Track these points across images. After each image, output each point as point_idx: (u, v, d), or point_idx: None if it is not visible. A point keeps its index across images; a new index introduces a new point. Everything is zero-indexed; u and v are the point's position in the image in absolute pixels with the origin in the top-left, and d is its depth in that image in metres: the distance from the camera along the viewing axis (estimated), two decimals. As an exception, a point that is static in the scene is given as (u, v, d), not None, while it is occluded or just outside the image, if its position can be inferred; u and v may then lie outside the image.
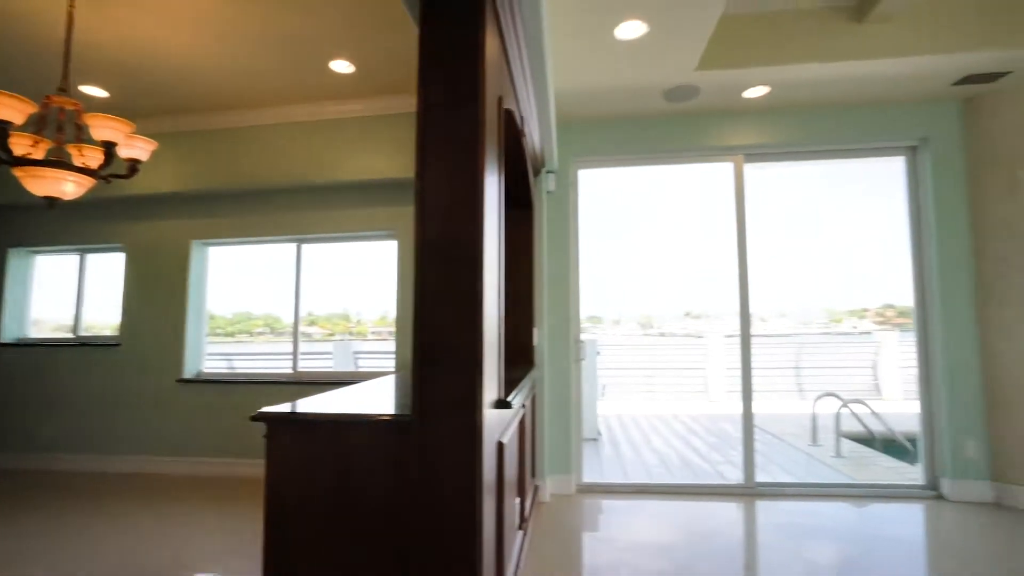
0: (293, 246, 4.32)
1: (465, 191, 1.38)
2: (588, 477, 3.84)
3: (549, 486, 3.50)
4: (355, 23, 2.87)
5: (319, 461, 1.43)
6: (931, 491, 3.41)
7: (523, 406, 2.42)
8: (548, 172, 3.58)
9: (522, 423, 2.42)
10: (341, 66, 3.31)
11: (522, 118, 2.46)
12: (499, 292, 1.65)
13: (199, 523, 3.08)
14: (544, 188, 3.55)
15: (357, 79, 3.49)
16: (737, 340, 3.65)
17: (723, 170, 3.76)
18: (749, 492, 3.52)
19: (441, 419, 1.33)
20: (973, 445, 3.32)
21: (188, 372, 4.22)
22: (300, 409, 1.52)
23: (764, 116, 3.60)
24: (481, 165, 1.39)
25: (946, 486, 3.34)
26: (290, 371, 4.26)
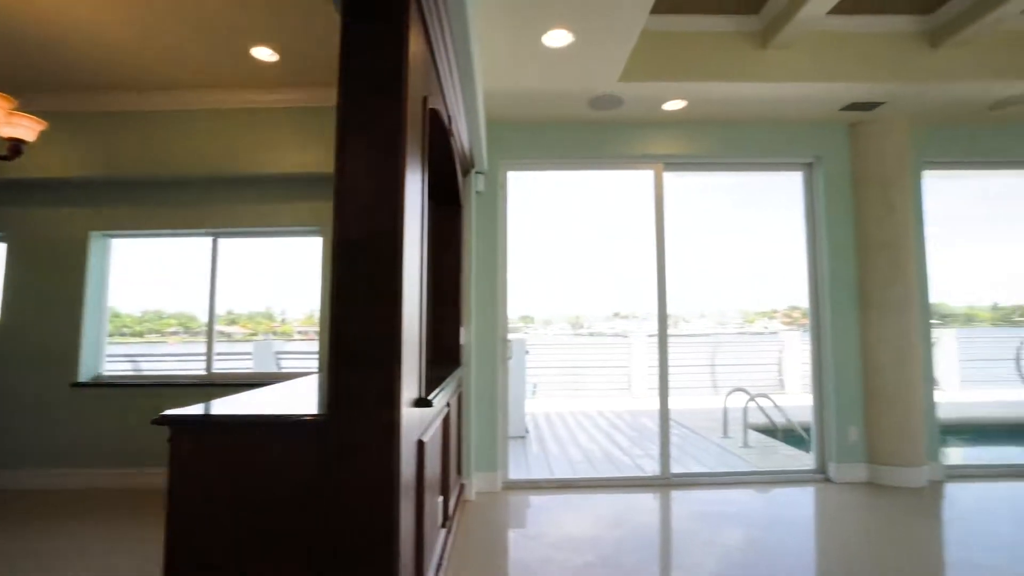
0: (208, 240, 4.07)
1: (386, 187, 1.39)
2: (515, 474, 3.91)
3: (475, 484, 3.53)
4: (278, 9, 2.76)
5: (227, 465, 1.38)
6: (820, 474, 3.78)
7: (447, 405, 2.43)
8: (477, 173, 3.61)
9: (446, 421, 2.43)
10: (263, 53, 3.17)
11: (450, 118, 2.47)
12: (421, 290, 1.66)
13: (96, 540, 2.84)
14: (473, 188, 3.58)
15: (281, 68, 3.35)
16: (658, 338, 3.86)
17: (644, 177, 3.96)
18: (665, 483, 3.73)
19: (357, 418, 1.32)
20: (854, 431, 3.72)
21: (85, 375, 3.86)
22: (207, 411, 1.45)
23: (682, 128, 3.83)
24: (403, 162, 1.40)
25: (832, 469, 3.72)
26: (204, 372, 4.02)
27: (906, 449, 3.58)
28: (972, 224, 5.10)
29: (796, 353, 8.97)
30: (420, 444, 1.67)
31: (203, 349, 4.05)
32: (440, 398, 1.97)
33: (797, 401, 7.84)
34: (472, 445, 3.49)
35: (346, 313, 1.35)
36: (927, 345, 3.80)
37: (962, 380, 8.54)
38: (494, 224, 3.73)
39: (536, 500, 3.48)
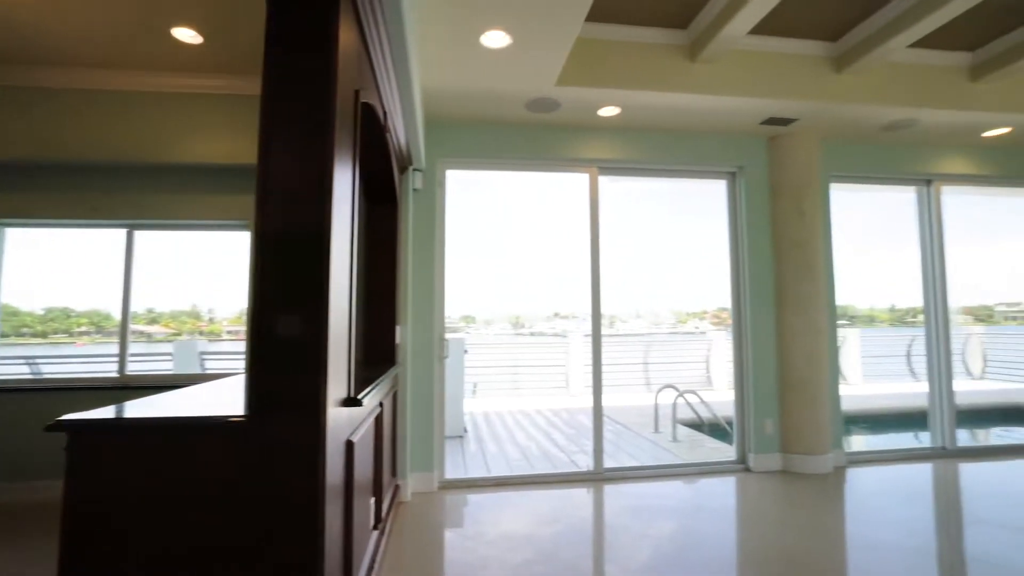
0: (123, 232, 3.78)
1: (313, 181, 1.35)
2: (452, 473, 3.90)
3: (411, 484, 3.49)
4: (201, -9, 2.61)
5: (134, 473, 1.29)
6: (741, 465, 4.03)
7: (380, 404, 2.39)
8: (415, 170, 3.57)
9: (379, 421, 2.39)
10: (186, 35, 2.98)
11: (386, 113, 2.44)
12: (351, 287, 1.63)
13: (-20, 560, 2.57)
14: (411, 186, 3.54)
15: (206, 52, 3.17)
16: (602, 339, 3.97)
17: (580, 180, 4.07)
18: (599, 478, 3.84)
19: (280, 419, 1.28)
20: (771, 424, 3.99)
21: (-30, 380, 3.48)
22: (112, 414, 1.35)
23: (616, 134, 3.96)
24: (331, 156, 1.37)
25: (751, 460, 3.97)
26: (116, 375, 3.72)
27: (815, 439, 3.88)
28: (873, 234, 5.60)
29: (722, 351, 9.50)
30: (349, 445, 1.63)
31: (116, 350, 3.75)
32: (371, 397, 1.94)
33: (723, 396, 8.33)
34: (408, 445, 3.45)
35: (269, 311, 1.30)
36: (834, 341, 4.14)
37: (864, 375, 9.35)
38: (432, 222, 3.70)
39: (473, 499, 3.49)
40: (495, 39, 2.70)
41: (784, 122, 3.86)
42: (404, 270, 3.48)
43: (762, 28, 3.35)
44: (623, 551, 2.69)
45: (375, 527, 2.28)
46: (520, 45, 2.76)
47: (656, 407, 5.86)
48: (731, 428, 5.51)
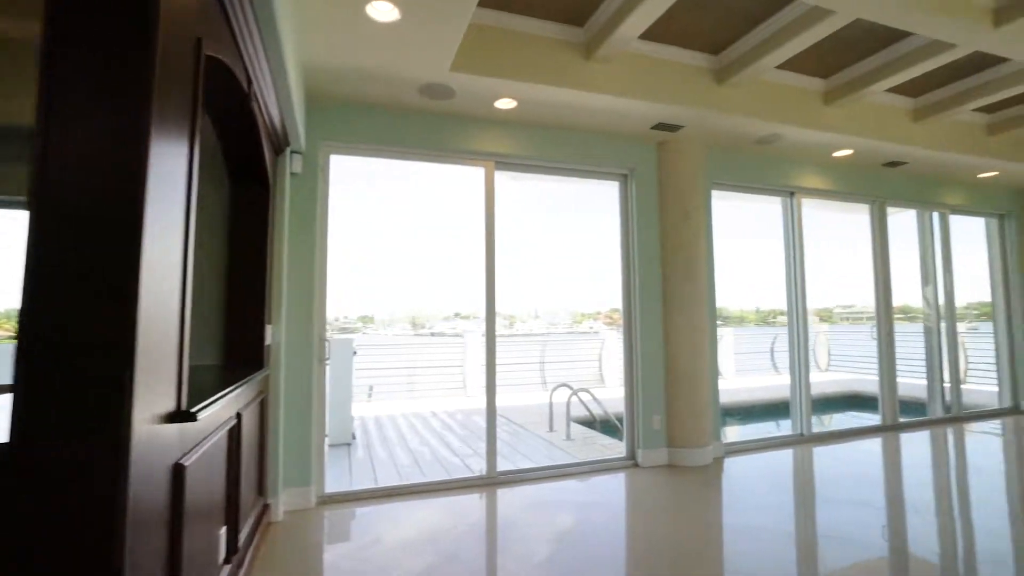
0: None
1: (119, 146, 1.05)
2: (334, 486, 3.56)
3: (284, 502, 3.12)
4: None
5: None
6: (630, 460, 4.13)
7: (237, 415, 2.06)
8: (294, 152, 3.21)
9: (236, 435, 2.06)
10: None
11: (250, 80, 2.11)
12: (184, 279, 1.33)
13: None
14: (288, 169, 3.17)
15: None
16: (497, 338, 3.84)
17: (477, 174, 3.93)
18: (492, 482, 3.72)
19: (61, 444, 0.97)
20: (658, 419, 4.14)
21: None
22: None
23: (513, 128, 3.88)
24: (145, 114, 1.08)
25: (640, 455, 4.09)
26: None
27: (697, 432, 4.08)
28: (743, 241, 6.09)
29: (614, 350, 9.91)
30: (178, 469, 1.33)
31: None
32: (219, 409, 1.63)
33: (614, 393, 8.68)
34: (280, 458, 3.08)
35: (48, 309, 0.99)
36: (714, 339, 4.40)
37: (737, 370, 10.26)
38: (312, 211, 3.35)
39: (357, 512, 3.20)
40: (382, 11, 2.47)
41: (672, 128, 4.02)
42: (278, 263, 3.10)
43: (654, 34, 3.44)
44: (515, 559, 2.58)
45: (227, 559, 1.94)
46: (410, 20, 2.55)
47: (551, 406, 5.89)
48: (621, 425, 5.70)
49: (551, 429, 5.74)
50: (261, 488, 2.72)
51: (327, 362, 3.52)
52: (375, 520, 3.09)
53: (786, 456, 4.36)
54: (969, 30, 3.11)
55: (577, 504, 3.30)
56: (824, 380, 9.80)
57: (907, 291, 5.98)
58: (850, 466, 4.07)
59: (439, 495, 3.51)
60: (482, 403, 3.82)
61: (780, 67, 3.93)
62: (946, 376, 5.84)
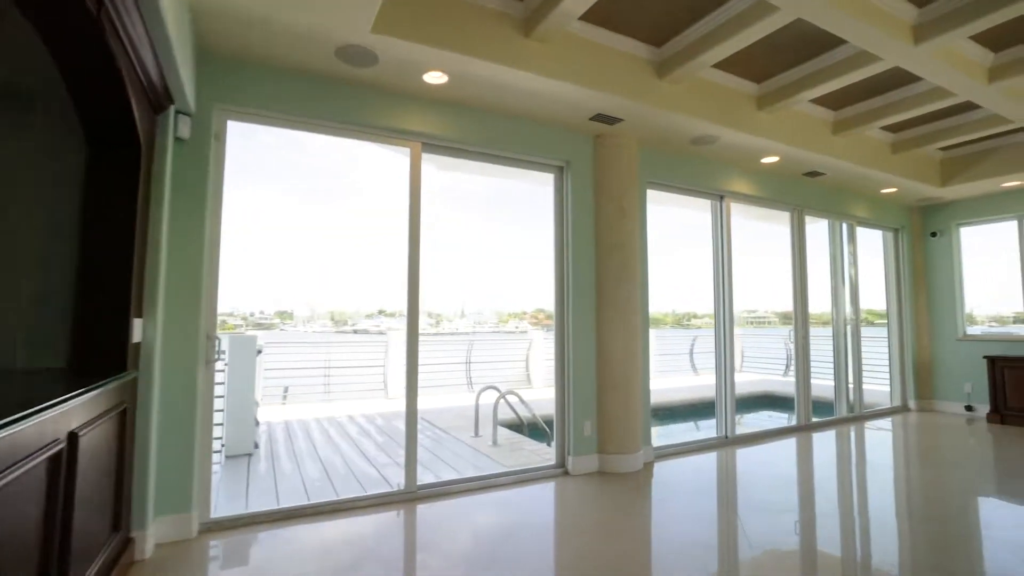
0: None
1: None
2: (224, 510, 3.06)
3: (154, 535, 2.58)
4: None
5: None
6: (560, 468, 3.92)
7: (73, 435, 1.58)
8: (180, 113, 2.68)
9: (72, 459, 1.58)
10: None
11: (100, 1, 1.63)
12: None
13: None
14: (171, 132, 2.63)
15: None
16: (422, 337, 3.48)
17: (401, 158, 3.56)
18: (411, 497, 3.36)
19: None
20: (589, 425, 3.96)
21: None
22: None
23: (444, 107, 3.55)
24: None
25: (570, 463, 3.89)
26: None
27: (628, 438, 3.95)
28: (662, 245, 6.13)
29: (541, 350, 9.79)
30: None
31: None
32: (35, 427, 1.18)
33: (541, 395, 8.54)
34: (151, 481, 2.54)
35: None
36: (646, 342, 4.31)
37: (657, 371, 10.50)
38: (202, 185, 2.83)
39: (249, 540, 2.73)
40: (289, -55, 2.06)
41: (611, 121, 3.86)
42: (155, 245, 2.56)
43: (598, 17, 3.25)
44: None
45: (51, 627, 1.47)
46: (324, -38, 2.16)
47: (477, 409, 5.60)
48: (550, 428, 5.52)
49: (476, 434, 5.45)
50: (118, 522, 2.19)
51: (218, 363, 3.01)
52: (269, 550, 2.64)
53: (712, 460, 4.36)
54: (894, 43, 3.19)
55: (504, 523, 3.03)
56: (737, 381, 10.28)
57: (815, 297, 6.29)
58: (771, 468, 4.11)
59: (351, 514, 3.10)
60: (403, 405, 3.45)
61: (718, 67, 3.90)
62: (850, 377, 6.20)
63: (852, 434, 5.38)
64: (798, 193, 5.63)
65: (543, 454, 4.57)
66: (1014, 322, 6.58)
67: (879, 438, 5.25)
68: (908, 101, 4.36)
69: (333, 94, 3.20)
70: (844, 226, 6.27)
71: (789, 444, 4.89)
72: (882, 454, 4.64)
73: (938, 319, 6.77)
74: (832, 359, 6.22)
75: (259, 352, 5.41)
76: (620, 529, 2.90)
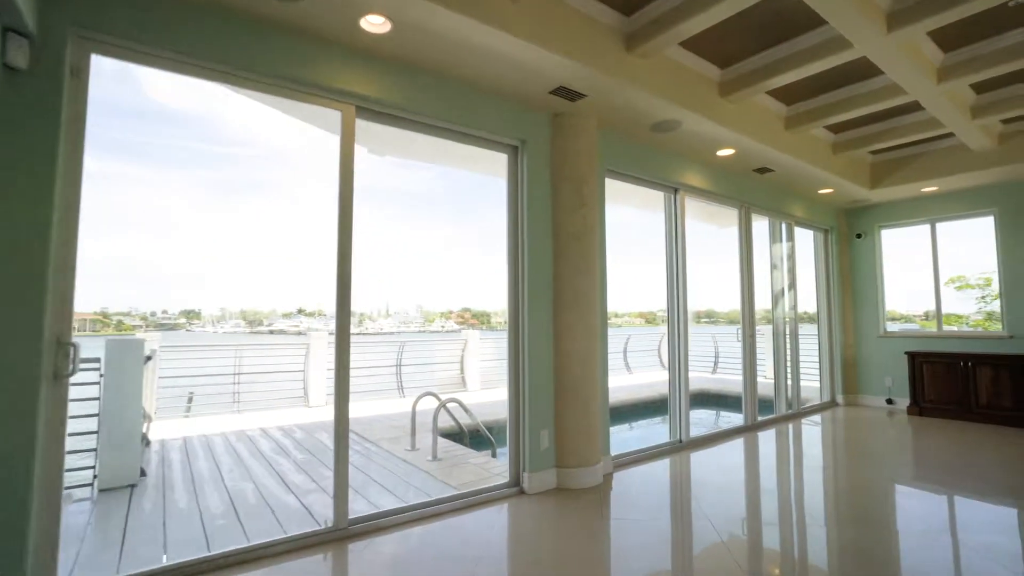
0: None
1: None
2: (86, 572, 2.31)
3: (-30, 623, 1.83)
4: None
5: None
6: (515, 487, 3.47)
7: None
8: (9, 31, 1.93)
9: None
10: None
11: None
12: None
13: None
14: (-2, 58, 1.88)
15: None
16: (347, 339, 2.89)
17: (327, 137, 2.96)
18: (342, 535, 2.77)
19: None
20: (547, 435, 3.55)
21: None
22: None
23: (384, 64, 2.97)
24: None
25: (526, 480, 3.45)
26: None
27: (588, 448, 3.58)
28: (628, 245, 5.87)
29: (476, 351, 9.30)
30: None
31: None
32: None
33: (479, 398, 8.06)
34: (-37, 550, 1.79)
35: None
36: (605, 341, 3.97)
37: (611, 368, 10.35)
38: (51, 135, 2.08)
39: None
40: None
41: (573, 96, 3.46)
42: (-29, 215, 1.81)
43: (565, -29, 2.83)
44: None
45: None
46: None
47: (413, 417, 5.02)
48: (491, 433, 5.07)
49: (413, 447, 4.87)
50: None
51: (86, 373, 2.27)
52: (148, 627, 1.97)
53: (670, 469, 4.10)
54: (868, 28, 3.05)
55: (456, 561, 2.53)
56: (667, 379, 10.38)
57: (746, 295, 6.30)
58: (728, 475, 3.91)
59: (266, 565, 2.47)
60: (326, 415, 2.84)
61: (685, 45, 3.63)
62: (788, 374, 6.27)
63: (793, 432, 5.39)
64: (746, 190, 5.57)
65: (491, 468, 4.11)
66: (925, 319, 7.02)
67: (818, 436, 5.29)
68: (857, 99, 4.34)
69: (244, 34, 2.53)
70: (783, 225, 6.34)
71: (740, 446, 4.77)
72: (829, 454, 4.61)
73: (862, 317, 7.07)
74: (772, 357, 6.27)
75: (148, 359, 4.51)
76: (585, 559, 2.50)
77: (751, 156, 4.82)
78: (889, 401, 6.70)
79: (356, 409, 7.10)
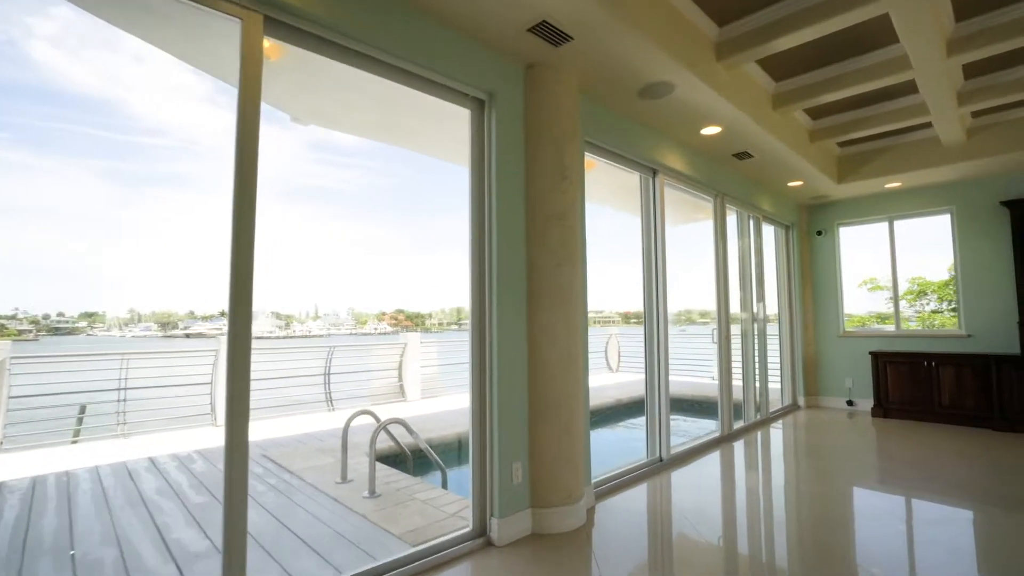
0: None
1: None
2: None
3: None
4: None
5: None
6: (480, 537, 2.68)
7: None
8: None
9: None
10: None
11: None
12: None
13: None
14: None
15: None
16: (264, 343, 1.98)
17: (228, 45, 2.06)
18: (233, 634, 1.87)
19: None
20: (520, 468, 2.80)
21: None
22: None
23: (306, -39, 2.11)
24: None
25: (495, 528, 2.67)
26: None
27: (570, 480, 2.87)
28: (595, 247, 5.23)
29: (416, 355, 8.39)
30: None
31: None
32: None
33: (420, 410, 7.18)
34: None
35: None
36: (586, 343, 3.28)
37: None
38: None
39: None
40: None
41: (555, 38, 2.74)
42: None
43: None
44: None
45: None
46: None
47: (345, 442, 4.10)
48: (442, 460, 4.25)
49: (345, 478, 3.96)
50: None
51: None
52: None
53: (654, 493, 3.49)
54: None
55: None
56: (620, 381, 9.94)
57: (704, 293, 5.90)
58: (715, 500, 3.36)
59: None
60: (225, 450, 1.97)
61: (685, -10, 3.02)
62: (756, 377, 5.90)
63: (762, 441, 4.99)
64: (723, 178, 5.11)
65: (443, 505, 3.29)
66: (880, 321, 6.94)
67: (792, 445, 4.91)
68: (848, 77, 3.94)
69: None
70: (751, 221, 5.97)
71: (720, 460, 4.26)
72: (810, 467, 4.19)
73: (822, 316, 6.88)
74: (740, 359, 5.88)
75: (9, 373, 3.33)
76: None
77: (736, 135, 4.33)
78: (849, 403, 6.53)
79: (275, 429, 6.01)
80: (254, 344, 1.98)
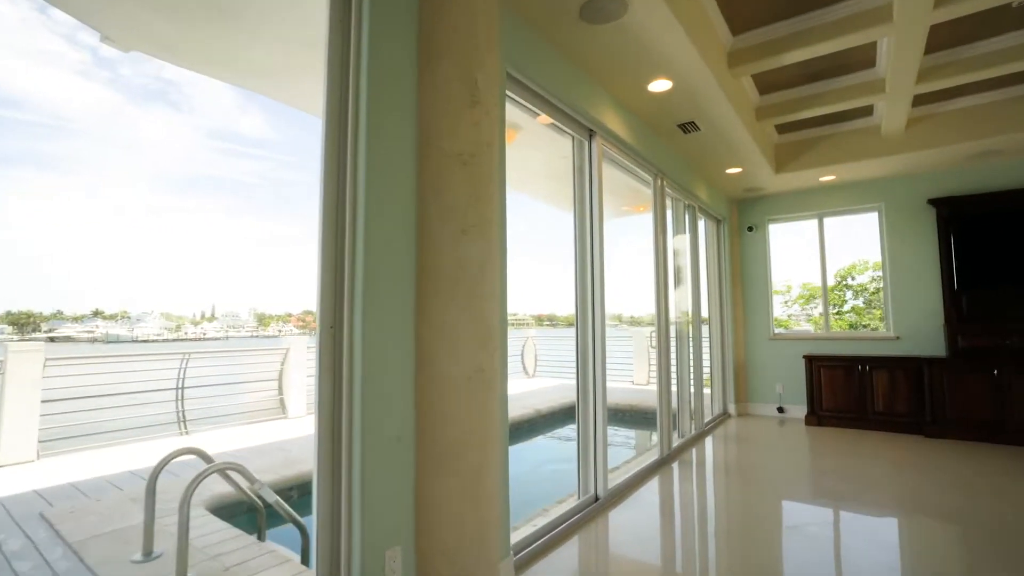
0: None
1: None
2: None
3: None
4: None
5: None
6: None
7: None
8: None
9: None
10: None
11: None
12: None
13: None
14: None
15: None
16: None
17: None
18: None
19: None
20: (397, 559, 1.75)
21: None
22: None
23: None
24: None
25: (349, 668, 1.61)
26: None
27: (479, 559, 1.86)
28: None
29: (301, 362, 7.02)
30: None
31: None
32: None
33: (304, 428, 5.86)
34: None
35: None
36: (505, 352, 2.30)
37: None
38: None
39: None
40: None
41: None
42: None
43: None
44: None
45: None
46: None
47: (152, 499, 2.80)
48: (297, 516, 3.09)
49: (150, 553, 2.67)
50: None
51: None
52: None
53: (589, 551, 2.60)
54: None
55: None
56: (537, 387, 9.12)
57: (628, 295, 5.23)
58: (654, 544, 2.54)
59: None
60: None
61: None
62: (692, 382, 5.27)
63: (698, 458, 4.33)
64: (664, 156, 4.40)
65: (289, 598, 2.16)
66: (808, 322, 6.69)
67: (736, 463, 4.28)
68: (814, 32, 3.34)
69: None
70: (687, 214, 5.35)
71: (659, 491, 3.50)
72: (754, 490, 3.53)
73: (752, 318, 6.46)
74: (675, 364, 5.22)
75: None
76: None
77: (686, 96, 3.58)
78: (780, 409, 6.14)
79: (86, 466, 4.30)
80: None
